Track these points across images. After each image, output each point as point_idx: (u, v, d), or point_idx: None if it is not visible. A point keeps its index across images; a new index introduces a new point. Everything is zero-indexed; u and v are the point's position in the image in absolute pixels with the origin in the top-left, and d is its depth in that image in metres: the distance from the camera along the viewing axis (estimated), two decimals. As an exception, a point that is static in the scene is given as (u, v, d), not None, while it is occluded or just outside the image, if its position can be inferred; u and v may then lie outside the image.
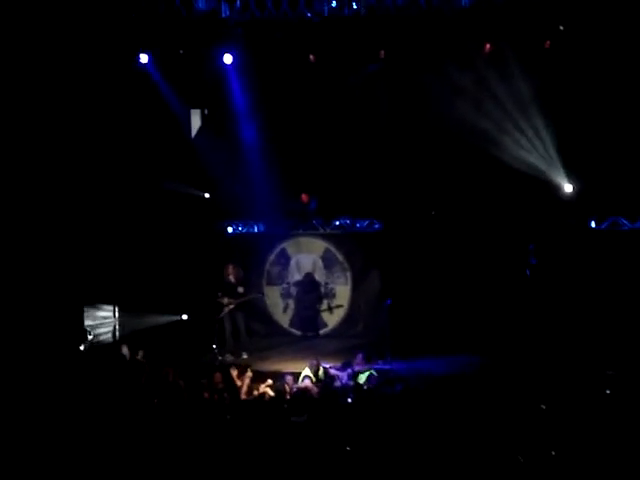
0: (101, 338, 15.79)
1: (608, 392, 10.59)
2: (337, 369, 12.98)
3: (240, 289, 15.41)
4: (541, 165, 15.30)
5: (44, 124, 15.07)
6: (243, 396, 10.37)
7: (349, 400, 10.45)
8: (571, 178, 15.32)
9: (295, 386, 11.64)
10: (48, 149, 15.13)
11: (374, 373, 12.58)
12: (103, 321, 16.03)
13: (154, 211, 16.27)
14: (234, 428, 8.51)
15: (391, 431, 8.60)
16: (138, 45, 15.52)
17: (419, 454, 7.98)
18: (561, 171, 15.32)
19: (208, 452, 7.96)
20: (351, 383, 12.40)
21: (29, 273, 14.92)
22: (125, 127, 15.65)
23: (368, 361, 13.24)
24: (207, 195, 17.10)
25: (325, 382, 12.28)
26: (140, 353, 13.42)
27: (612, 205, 15.30)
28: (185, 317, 16.58)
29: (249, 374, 11.76)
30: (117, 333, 16.14)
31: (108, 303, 16.10)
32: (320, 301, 16.92)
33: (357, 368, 12.81)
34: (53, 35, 14.73)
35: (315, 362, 12.83)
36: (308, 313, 16.99)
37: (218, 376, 11.66)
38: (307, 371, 12.58)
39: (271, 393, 11.00)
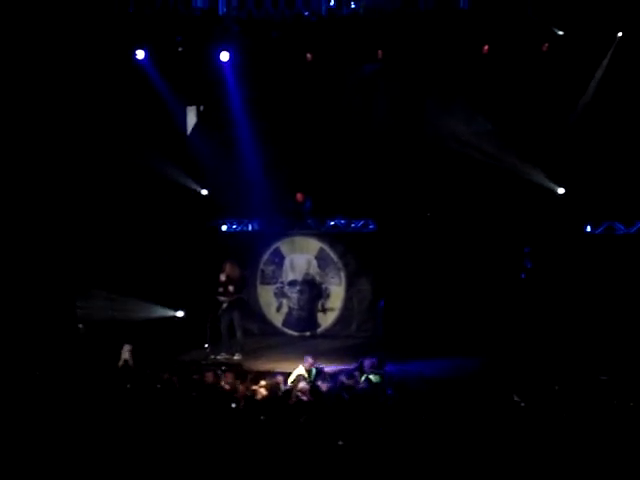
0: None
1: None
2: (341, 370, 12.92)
3: (230, 288, 15.29)
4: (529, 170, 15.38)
5: (40, 117, 15.07)
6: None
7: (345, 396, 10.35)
8: (567, 182, 15.35)
9: (287, 387, 11.53)
10: (44, 143, 15.13)
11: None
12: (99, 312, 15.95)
13: (150, 207, 16.25)
14: (228, 429, 8.47)
15: (384, 432, 8.58)
16: (135, 41, 15.46)
17: (413, 454, 7.97)
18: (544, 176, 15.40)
19: (202, 452, 7.93)
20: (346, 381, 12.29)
21: (21, 263, 14.97)
22: (121, 122, 15.60)
23: (379, 367, 13.03)
24: (204, 192, 17.04)
25: (315, 383, 12.15)
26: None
27: (607, 210, 15.32)
28: (180, 314, 16.51)
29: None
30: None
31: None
32: (314, 301, 16.90)
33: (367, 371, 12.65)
34: (50, 30, 14.69)
35: (310, 360, 12.72)
36: (302, 313, 16.95)
37: (209, 376, 11.55)
38: (300, 369, 12.47)
39: (264, 393, 10.90)
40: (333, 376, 12.58)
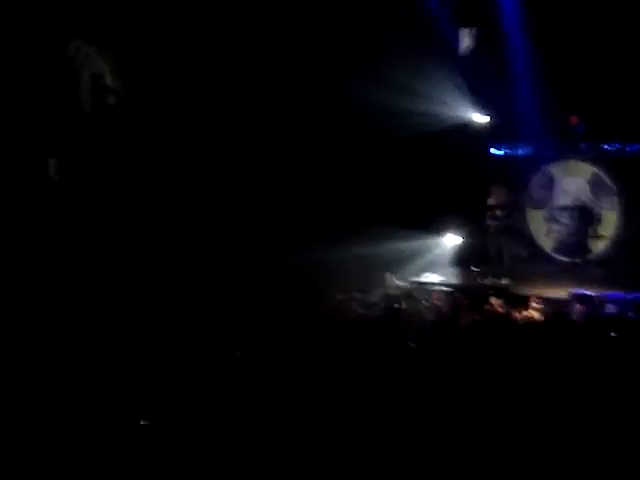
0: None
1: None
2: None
3: (498, 212, 15.25)
4: None
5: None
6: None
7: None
8: None
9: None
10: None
11: None
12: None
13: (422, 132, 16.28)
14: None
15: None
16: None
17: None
18: None
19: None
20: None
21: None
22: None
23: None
24: (483, 117, 16.91)
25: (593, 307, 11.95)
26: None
27: None
28: (456, 239, 16.61)
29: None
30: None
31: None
32: (586, 227, 16.52)
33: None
34: None
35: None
36: (573, 239, 16.62)
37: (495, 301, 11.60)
38: None
39: (537, 316, 10.87)
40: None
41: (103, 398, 7.62)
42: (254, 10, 13.49)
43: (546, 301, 12.37)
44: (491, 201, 15.33)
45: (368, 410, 7.23)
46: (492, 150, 17.28)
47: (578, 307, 11.72)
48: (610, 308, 12.34)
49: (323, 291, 12.25)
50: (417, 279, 14.78)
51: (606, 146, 16.46)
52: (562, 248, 16.72)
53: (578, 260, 16.47)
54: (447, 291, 13.67)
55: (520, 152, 17.23)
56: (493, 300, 11.83)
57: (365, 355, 8.46)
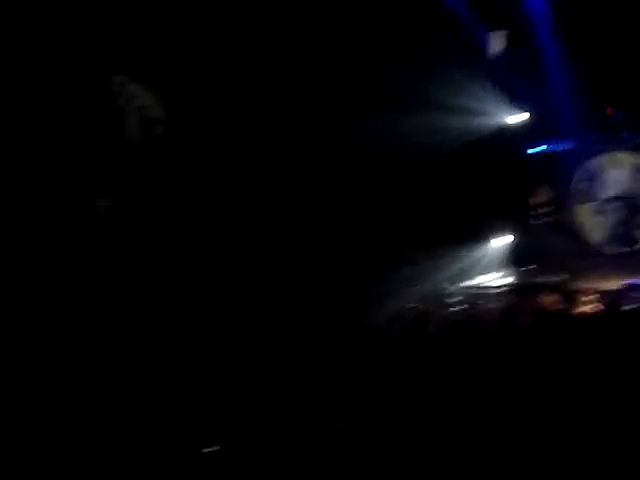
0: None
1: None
2: None
3: (544, 210, 15.33)
4: None
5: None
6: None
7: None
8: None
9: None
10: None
11: None
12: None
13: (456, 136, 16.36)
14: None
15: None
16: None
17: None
18: None
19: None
20: None
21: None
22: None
23: None
24: (520, 117, 16.95)
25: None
26: None
27: None
28: (506, 241, 16.62)
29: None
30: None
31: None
32: (634, 217, 16.52)
33: None
34: None
35: None
36: (621, 229, 16.65)
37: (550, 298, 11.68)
38: None
39: (593, 310, 10.92)
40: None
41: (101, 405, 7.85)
42: (291, 30, 13.73)
43: (601, 294, 12.44)
44: (536, 200, 15.40)
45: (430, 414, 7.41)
46: (532, 149, 17.29)
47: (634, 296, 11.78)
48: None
49: (379, 307, 12.39)
50: (472, 284, 14.88)
51: (647, 133, 16.49)
52: (612, 240, 16.74)
53: (628, 250, 16.49)
54: (502, 292, 13.80)
55: (561, 148, 17.24)
56: (548, 297, 11.88)
57: (422, 363, 8.61)
